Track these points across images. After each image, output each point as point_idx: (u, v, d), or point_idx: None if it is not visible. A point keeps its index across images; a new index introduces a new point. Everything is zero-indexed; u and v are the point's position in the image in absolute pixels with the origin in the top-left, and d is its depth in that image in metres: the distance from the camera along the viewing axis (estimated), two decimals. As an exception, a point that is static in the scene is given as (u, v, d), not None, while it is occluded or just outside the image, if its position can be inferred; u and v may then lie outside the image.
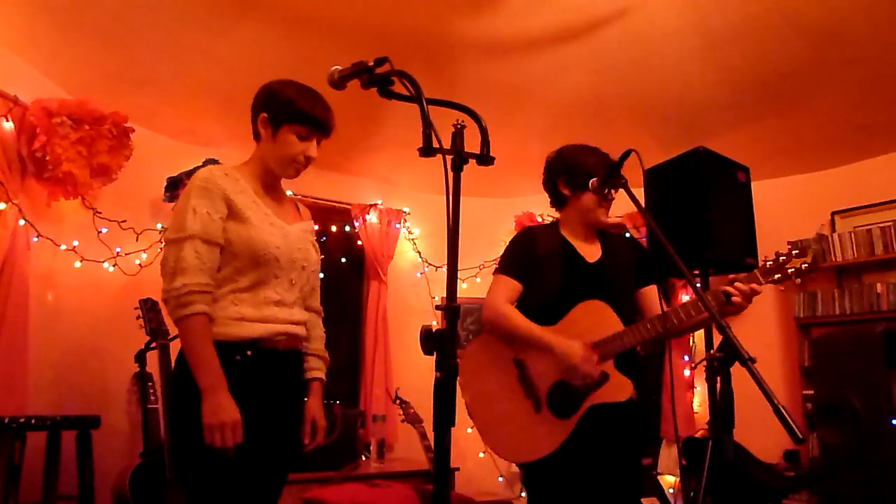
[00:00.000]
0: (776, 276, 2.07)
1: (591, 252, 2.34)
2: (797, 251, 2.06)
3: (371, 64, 1.43)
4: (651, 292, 2.36)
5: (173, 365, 1.80)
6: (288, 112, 1.83)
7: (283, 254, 1.82)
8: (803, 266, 2.03)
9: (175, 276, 1.69)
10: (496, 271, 2.33)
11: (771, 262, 2.09)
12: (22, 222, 3.09)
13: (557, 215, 2.44)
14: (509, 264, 2.30)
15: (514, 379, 2.20)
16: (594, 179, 2.22)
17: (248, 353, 1.77)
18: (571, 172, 2.27)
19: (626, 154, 1.99)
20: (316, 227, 2.11)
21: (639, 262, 2.37)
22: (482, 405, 2.23)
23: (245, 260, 1.77)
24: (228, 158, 3.99)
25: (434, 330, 1.29)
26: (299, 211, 2.05)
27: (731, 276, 2.10)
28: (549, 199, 2.44)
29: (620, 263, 2.34)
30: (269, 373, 1.81)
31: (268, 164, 1.89)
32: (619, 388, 2.12)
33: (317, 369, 2.02)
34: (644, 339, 2.11)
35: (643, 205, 2.01)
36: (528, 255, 2.28)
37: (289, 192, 2.11)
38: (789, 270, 2.06)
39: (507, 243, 2.39)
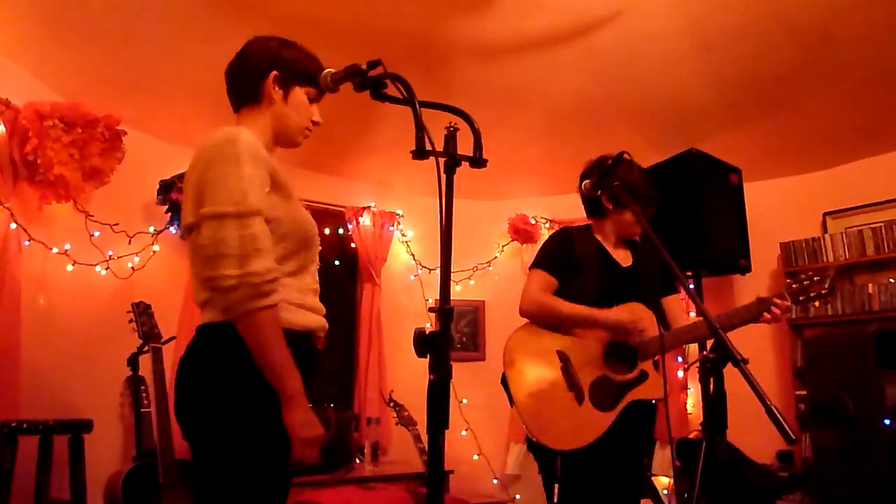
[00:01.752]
0: (801, 298, 2.20)
1: (624, 257, 2.45)
2: (818, 277, 2.19)
3: (364, 67, 1.43)
4: (673, 301, 2.47)
5: (200, 366, 1.49)
6: (299, 71, 1.66)
7: (316, 235, 1.66)
8: (822, 292, 2.17)
9: (249, 259, 1.40)
10: (532, 266, 2.42)
11: (795, 285, 2.21)
12: (13, 226, 3.07)
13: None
14: (546, 260, 2.39)
15: (558, 370, 2.28)
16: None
17: (304, 346, 1.56)
18: (615, 188, 2.28)
19: (619, 156, 2.02)
20: None
21: (663, 270, 2.45)
22: (527, 394, 2.30)
23: (296, 241, 1.57)
24: (221, 161, 4.00)
25: (428, 332, 1.29)
26: None
27: (763, 295, 2.22)
28: (586, 207, 2.50)
29: (649, 270, 2.44)
30: (312, 374, 1.59)
31: (278, 130, 1.69)
32: (659, 386, 2.26)
33: None
34: (685, 342, 2.22)
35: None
36: (565, 254, 2.37)
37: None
38: (812, 294, 2.19)
39: (544, 241, 2.49)
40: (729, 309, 2.23)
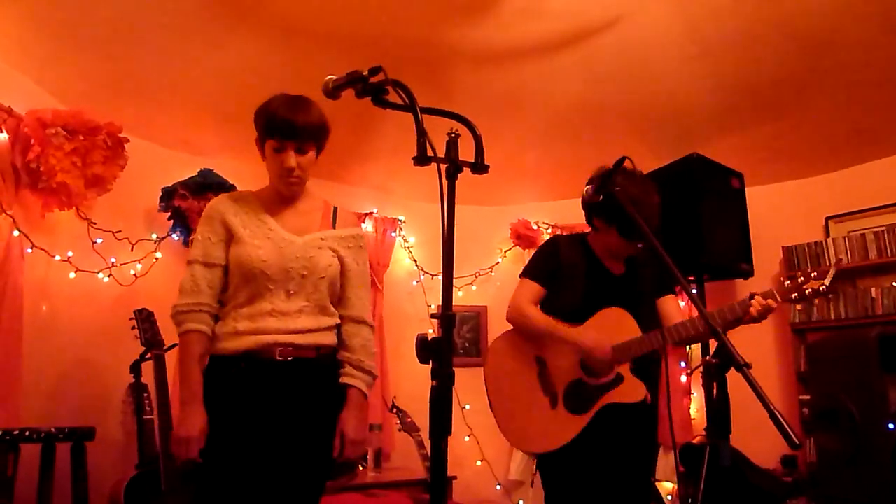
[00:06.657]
0: (794, 296, 2.11)
1: (618, 265, 2.45)
2: (815, 273, 2.08)
3: (365, 73, 1.44)
4: (668, 302, 2.45)
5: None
6: (262, 127, 1.92)
7: (271, 265, 1.89)
8: (821, 288, 2.06)
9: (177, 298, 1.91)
10: (522, 275, 2.50)
11: (789, 283, 2.13)
12: (16, 233, 3.08)
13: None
14: (533, 269, 2.47)
15: (535, 375, 2.34)
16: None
17: (242, 364, 1.86)
18: (616, 193, 2.20)
19: (621, 161, 2.02)
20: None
21: (660, 273, 2.45)
22: (502, 397, 2.36)
23: (238, 277, 1.91)
24: (223, 168, 4.02)
25: (430, 338, 1.29)
26: (334, 221, 2.07)
27: (752, 291, 2.16)
28: (585, 216, 2.46)
29: (645, 275, 2.43)
30: (264, 384, 1.86)
31: (272, 182, 2.02)
32: (633, 390, 2.24)
33: (348, 376, 1.99)
34: (657, 347, 2.19)
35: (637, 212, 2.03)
36: (553, 262, 2.43)
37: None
38: (807, 291, 2.09)
39: (535, 250, 2.58)
40: (718, 308, 2.17)
